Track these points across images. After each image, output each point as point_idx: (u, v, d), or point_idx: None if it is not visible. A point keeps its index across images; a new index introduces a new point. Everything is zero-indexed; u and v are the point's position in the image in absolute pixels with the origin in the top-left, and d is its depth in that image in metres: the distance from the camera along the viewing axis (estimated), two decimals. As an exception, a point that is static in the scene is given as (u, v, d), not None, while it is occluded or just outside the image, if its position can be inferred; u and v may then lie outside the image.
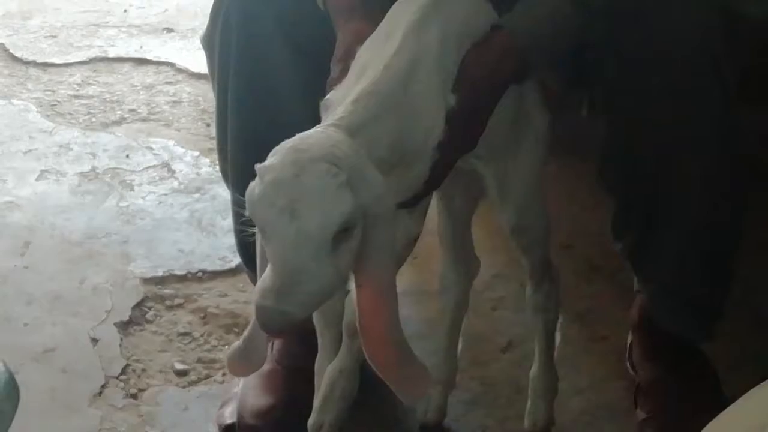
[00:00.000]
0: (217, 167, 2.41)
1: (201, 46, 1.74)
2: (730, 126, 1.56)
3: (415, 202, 1.34)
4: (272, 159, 1.15)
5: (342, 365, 1.46)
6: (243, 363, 1.30)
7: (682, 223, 1.61)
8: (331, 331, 1.49)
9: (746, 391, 1.03)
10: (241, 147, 1.66)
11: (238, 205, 1.27)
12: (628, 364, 1.84)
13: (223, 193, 2.33)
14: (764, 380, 1.03)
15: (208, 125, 2.63)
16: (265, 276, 1.12)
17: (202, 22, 3.07)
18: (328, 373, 1.48)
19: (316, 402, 1.49)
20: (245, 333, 1.29)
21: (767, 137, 2.12)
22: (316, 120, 1.26)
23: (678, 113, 1.51)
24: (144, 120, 2.70)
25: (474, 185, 1.57)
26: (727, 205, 1.62)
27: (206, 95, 2.76)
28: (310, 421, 1.49)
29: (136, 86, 2.86)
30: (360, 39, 1.34)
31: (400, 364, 1.21)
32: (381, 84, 1.27)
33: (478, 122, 1.36)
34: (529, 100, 1.48)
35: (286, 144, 1.17)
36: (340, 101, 1.26)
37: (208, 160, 2.52)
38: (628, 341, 1.85)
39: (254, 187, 1.14)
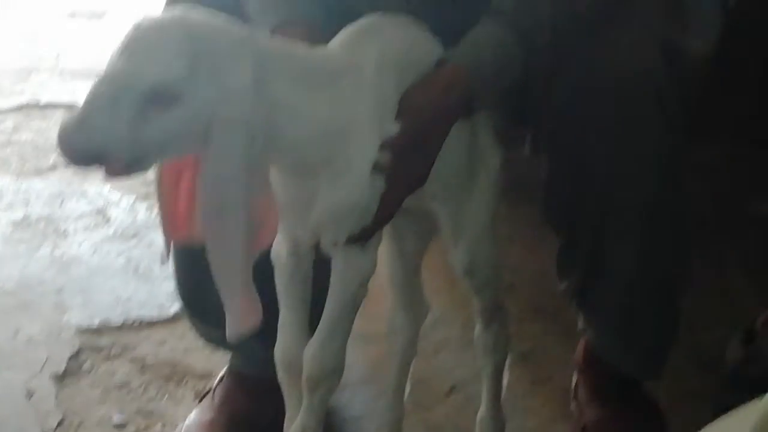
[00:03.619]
0: (154, 213, 2.40)
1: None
2: (674, 160, 1.56)
3: (366, 237, 1.32)
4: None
5: (304, 424, 1.42)
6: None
7: (626, 261, 1.61)
8: (296, 388, 1.45)
9: (690, 430, 1.02)
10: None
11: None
12: (573, 404, 1.83)
13: (160, 239, 2.27)
14: (708, 419, 1.02)
15: (144, 170, 2.60)
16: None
17: (136, 66, 3.07)
18: None
19: None
20: None
21: (711, 173, 2.15)
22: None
23: (620, 147, 1.51)
24: (78, 166, 2.66)
25: (426, 226, 1.57)
26: (671, 242, 1.62)
27: (141, 140, 2.72)
28: None
29: (69, 132, 2.81)
30: None
31: (242, 287, 1.20)
32: (313, 56, 1.28)
33: (424, 152, 1.35)
34: (481, 139, 1.48)
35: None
36: None
37: (144, 206, 2.48)
38: (573, 381, 1.84)
39: None
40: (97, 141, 1.09)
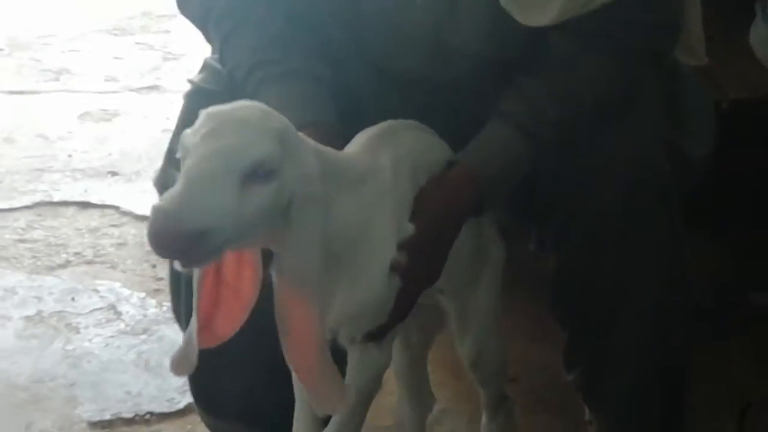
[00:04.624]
0: (164, 308, 2.44)
1: (153, 187, 1.76)
2: (678, 255, 1.59)
3: (382, 334, 1.36)
4: None
5: None
6: (182, 362, 1.29)
7: (633, 354, 1.63)
8: None
9: None
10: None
11: None
12: (579, 495, 1.85)
13: (171, 333, 2.34)
14: None
15: (154, 266, 2.64)
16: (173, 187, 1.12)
17: (146, 165, 3.14)
18: None
19: None
20: (185, 335, 1.29)
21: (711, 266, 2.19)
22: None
23: (626, 244, 1.54)
24: (89, 263, 2.71)
25: (432, 319, 1.60)
26: (676, 335, 1.65)
27: (151, 237, 2.77)
28: None
29: (81, 229, 2.86)
30: None
31: (320, 369, 1.20)
32: (341, 158, 1.31)
33: (438, 252, 1.40)
34: (486, 234, 1.53)
35: None
36: None
37: (154, 301, 2.52)
38: (579, 472, 1.86)
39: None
40: (207, 217, 1.09)
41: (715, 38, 1.78)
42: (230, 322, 1.27)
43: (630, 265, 1.56)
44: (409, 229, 1.35)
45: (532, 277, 1.79)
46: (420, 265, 1.35)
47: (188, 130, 1.16)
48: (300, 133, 1.23)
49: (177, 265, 1.15)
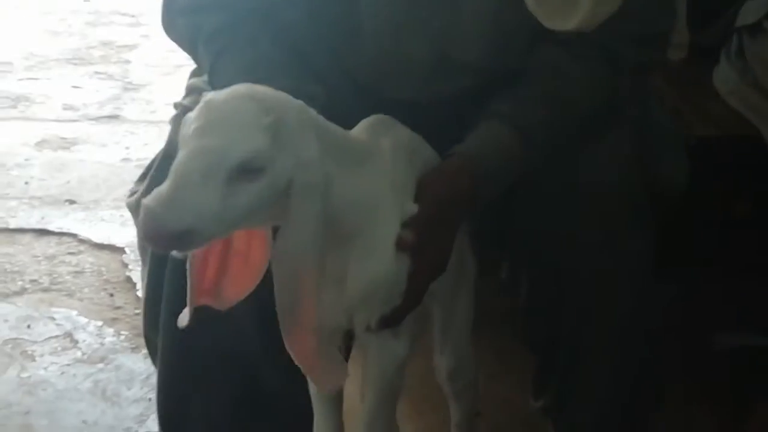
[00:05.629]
0: (121, 337, 2.42)
1: (127, 211, 1.73)
2: (648, 286, 1.60)
3: (397, 320, 1.35)
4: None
5: None
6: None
7: (602, 380, 1.64)
8: None
9: None
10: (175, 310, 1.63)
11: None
12: None
13: (128, 362, 2.31)
14: None
15: (112, 295, 2.62)
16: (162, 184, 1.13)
17: (104, 194, 3.12)
18: None
19: None
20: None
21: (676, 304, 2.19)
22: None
23: (598, 268, 1.55)
24: (46, 290, 2.67)
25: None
26: (644, 358, 1.66)
27: (109, 265, 2.75)
28: None
29: (38, 257, 2.82)
30: None
31: (318, 352, 1.21)
32: (347, 136, 1.32)
33: (444, 234, 1.40)
34: (463, 248, 1.53)
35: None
36: None
37: (111, 330, 2.48)
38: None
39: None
40: (190, 218, 1.10)
41: (684, 81, 1.81)
42: (238, 288, 1.28)
43: (601, 290, 1.56)
44: (413, 208, 1.35)
45: (495, 314, 1.79)
46: (427, 244, 1.35)
47: (190, 114, 1.17)
48: (304, 109, 1.22)
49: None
